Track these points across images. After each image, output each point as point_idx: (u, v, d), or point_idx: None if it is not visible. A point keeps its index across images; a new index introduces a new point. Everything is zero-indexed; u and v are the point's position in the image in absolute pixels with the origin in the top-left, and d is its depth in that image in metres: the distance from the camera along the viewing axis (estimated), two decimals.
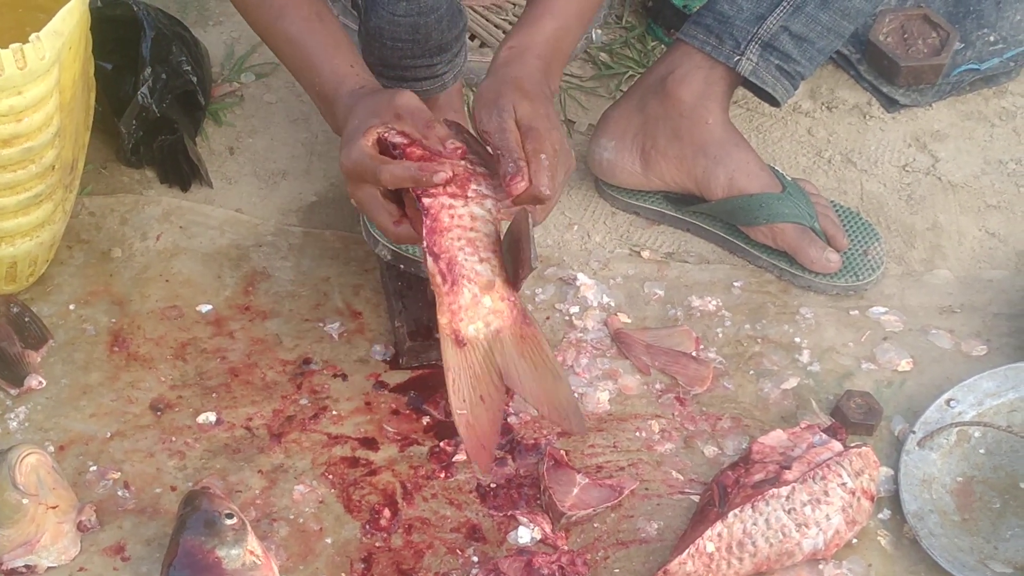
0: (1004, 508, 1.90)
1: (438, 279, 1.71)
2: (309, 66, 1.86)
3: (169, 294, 2.12)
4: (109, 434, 1.94)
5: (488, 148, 1.77)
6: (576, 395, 2.01)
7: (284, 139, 2.39)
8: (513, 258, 1.75)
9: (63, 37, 1.83)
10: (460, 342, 1.71)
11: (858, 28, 2.25)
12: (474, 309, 1.71)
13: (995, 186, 2.36)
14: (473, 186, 1.73)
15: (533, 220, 1.72)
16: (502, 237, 1.76)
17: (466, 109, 2.28)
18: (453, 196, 1.72)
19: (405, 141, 1.73)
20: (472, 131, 1.82)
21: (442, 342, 1.72)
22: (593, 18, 1.94)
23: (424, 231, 1.70)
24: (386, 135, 1.73)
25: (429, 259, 1.71)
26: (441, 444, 1.94)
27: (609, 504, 1.88)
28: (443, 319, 1.71)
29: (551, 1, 1.88)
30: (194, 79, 2.30)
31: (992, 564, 1.83)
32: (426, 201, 1.71)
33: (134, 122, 2.24)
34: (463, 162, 1.74)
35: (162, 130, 2.27)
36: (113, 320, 2.08)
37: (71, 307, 2.09)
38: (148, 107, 2.23)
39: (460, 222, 1.72)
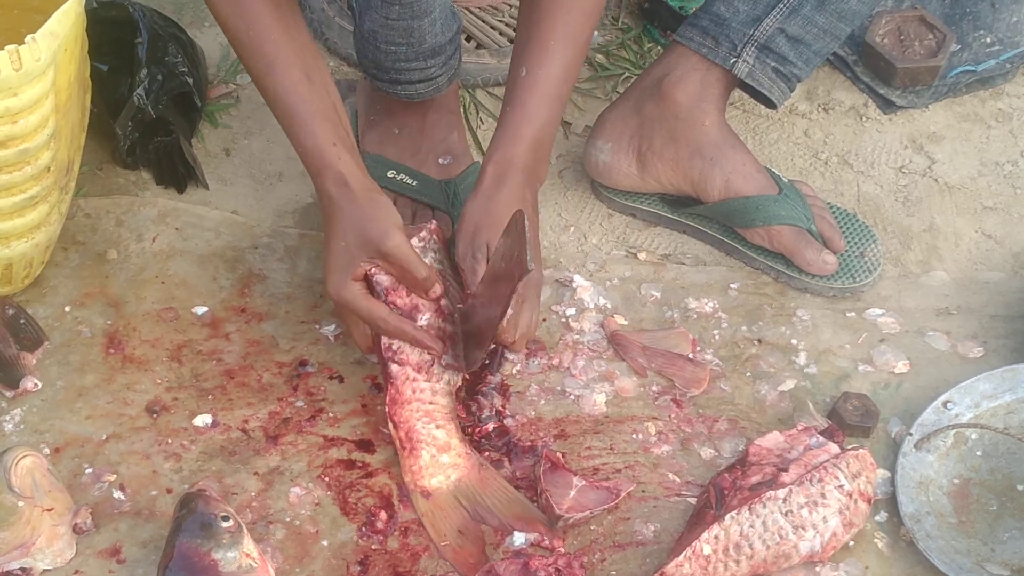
0: (1001, 510, 1.90)
1: (398, 444, 1.88)
2: (293, 132, 1.89)
3: (165, 296, 2.12)
4: (105, 436, 1.94)
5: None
6: (572, 397, 2.02)
7: (280, 140, 2.37)
8: (508, 259, 1.75)
9: (59, 38, 1.83)
10: (426, 494, 1.87)
11: (854, 30, 2.25)
12: (434, 467, 1.88)
13: (992, 188, 2.36)
14: (439, 361, 1.88)
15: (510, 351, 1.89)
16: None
17: (462, 110, 2.28)
18: (418, 369, 1.87)
19: (389, 284, 1.85)
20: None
21: (410, 495, 1.88)
22: (568, 99, 1.99)
23: (387, 399, 1.88)
24: (372, 273, 1.85)
25: (390, 424, 1.87)
26: None
27: (606, 506, 1.87)
28: (406, 477, 1.88)
29: (527, 103, 1.91)
30: (190, 80, 2.29)
31: (989, 566, 1.83)
32: (394, 369, 1.87)
33: (130, 123, 2.24)
34: (438, 320, 1.87)
35: (158, 132, 2.26)
36: (109, 322, 2.08)
37: (67, 309, 2.09)
38: (144, 108, 2.23)
39: (421, 396, 1.87)
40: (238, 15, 1.87)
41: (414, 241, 1.87)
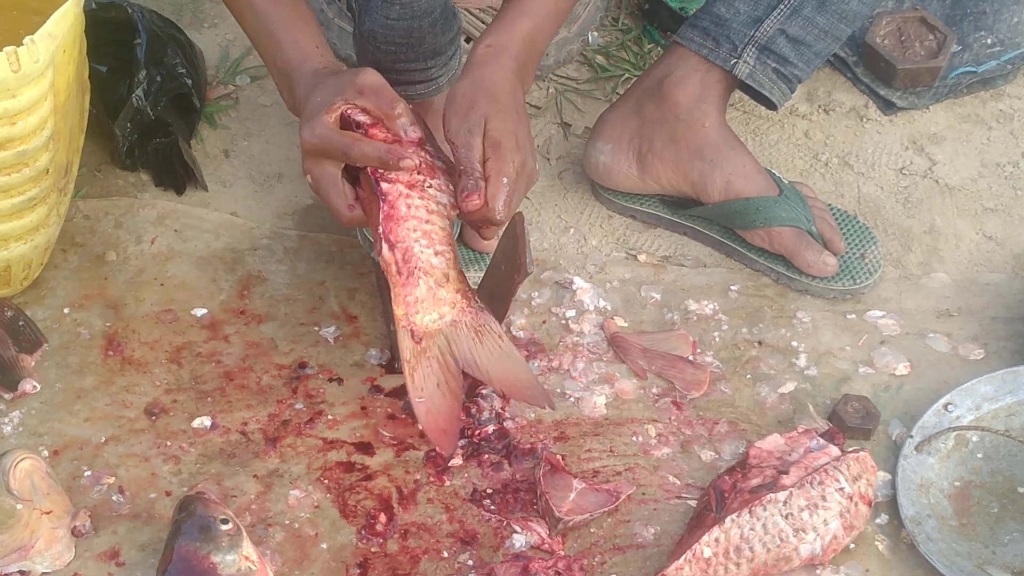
0: (1002, 513, 1.90)
1: (393, 269, 1.72)
2: (271, 39, 1.85)
3: (164, 298, 2.11)
4: (104, 439, 1.93)
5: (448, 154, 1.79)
6: (572, 399, 2.01)
7: (279, 142, 2.38)
8: (508, 262, 1.75)
9: (57, 40, 1.83)
10: (416, 333, 1.73)
11: (855, 31, 2.24)
12: (430, 301, 1.73)
13: (992, 189, 2.36)
14: (430, 179, 1.75)
15: (482, 237, 1.74)
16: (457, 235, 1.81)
17: None
18: (411, 186, 1.73)
19: (368, 120, 1.74)
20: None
21: (398, 333, 1.74)
22: (569, 14, 1.94)
23: (381, 217, 1.71)
24: (350, 112, 1.74)
25: (384, 247, 1.72)
26: (437, 448, 1.93)
27: (606, 509, 1.87)
28: (399, 310, 1.73)
29: (527, 0, 1.88)
30: (189, 82, 2.29)
31: (990, 569, 1.83)
32: (384, 186, 1.72)
33: (128, 125, 2.24)
34: (423, 152, 1.75)
35: (157, 133, 2.26)
36: (108, 324, 2.07)
37: (65, 311, 2.08)
38: (143, 110, 2.23)
39: (416, 213, 1.73)
40: None
41: None
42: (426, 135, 1.78)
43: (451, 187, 1.75)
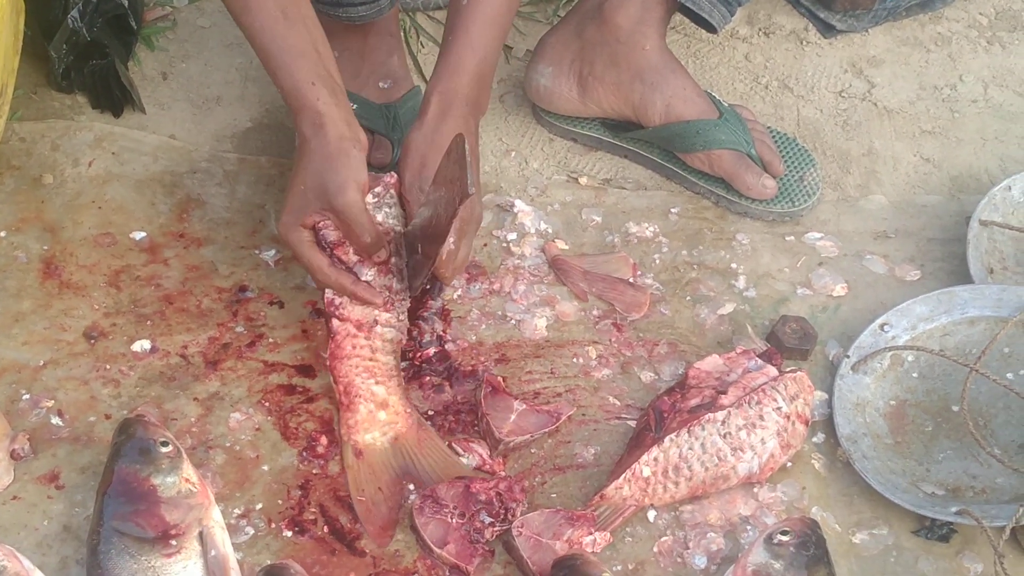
0: (936, 431, 1.92)
1: (337, 395, 1.86)
2: (272, 71, 1.84)
3: (102, 221, 2.10)
4: (42, 362, 1.92)
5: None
6: (513, 322, 2.02)
7: (218, 64, 2.36)
8: (450, 183, 1.74)
9: None
10: (358, 450, 1.84)
11: None
12: (370, 422, 1.85)
13: (930, 112, 2.37)
14: (383, 316, 1.86)
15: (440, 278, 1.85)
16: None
17: (403, 34, 2.26)
18: (359, 326, 1.85)
19: (335, 240, 1.84)
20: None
21: (341, 446, 1.85)
22: (510, 27, 1.97)
23: (328, 352, 1.86)
24: (321, 227, 1.83)
25: (331, 376, 1.86)
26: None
27: (546, 430, 1.88)
28: (341, 430, 1.85)
29: (470, 32, 1.89)
30: (125, 2, 2.25)
31: (924, 486, 1.85)
32: (335, 324, 1.85)
33: (64, 46, 2.21)
34: (382, 276, 1.86)
35: (93, 55, 2.23)
36: (45, 247, 2.05)
37: (2, 234, 2.06)
38: (79, 31, 2.20)
39: (360, 352, 1.85)
40: None
41: (369, 197, 1.85)
42: (391, 255, 1.87)
43: (401, 317, 1.88)
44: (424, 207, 1.86)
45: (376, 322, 1.85)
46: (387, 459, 1.83)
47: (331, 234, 1.84)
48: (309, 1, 1.86)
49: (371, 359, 1.85)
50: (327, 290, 1.85)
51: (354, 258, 1.85)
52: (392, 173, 1.90)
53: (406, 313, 1.89)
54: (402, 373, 1.89)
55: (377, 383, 1.85)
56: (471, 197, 1.70)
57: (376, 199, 1.87)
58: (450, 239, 1.78)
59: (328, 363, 1.85)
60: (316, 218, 1.82)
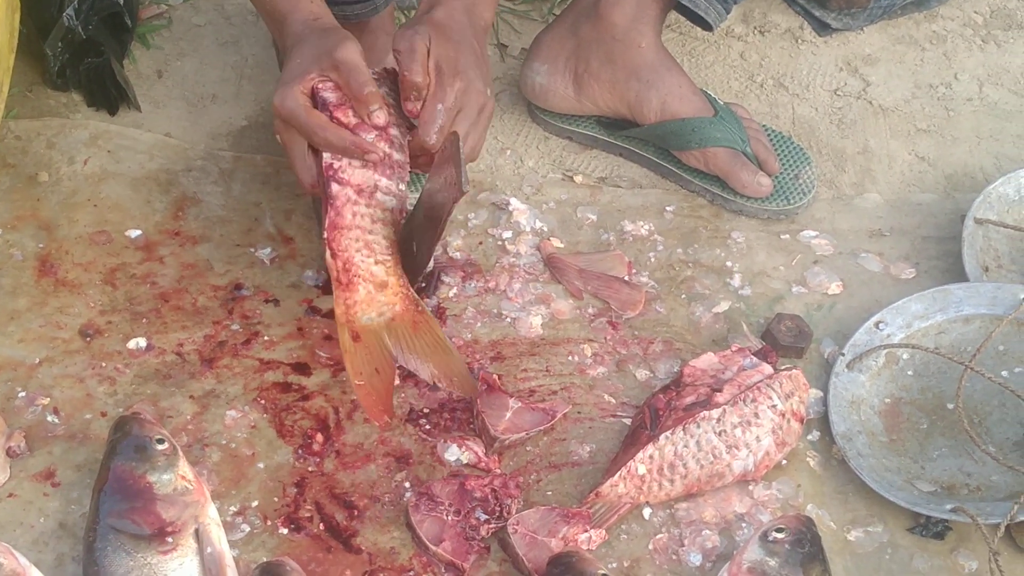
0: (931, 429, 1.93)
1: (334, 274, 1.79)
2: None
3: (98, 219, 2.10)
4: (38, 360, 1.92)
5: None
6: (509, 320, 2.02)
7: (213, 62, 2.36)
8: (443, 182, 1.74)
9: None
10: (354, 331, 1.81)
11: None
12: (368, 303, 1.81)
13: (925, 110, 2.37)
14: (383, 182, 1.79)
15: (465, 155, 1.75)
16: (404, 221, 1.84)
17: None
18: (359, 191, 1.78)
19: (335, 100, 1.77)
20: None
21: (338, 329, 1.81)
22: None
23: (327, 222, 1.77)
24: (319, 87, 1.76)
25: (327, 253, 1.78)
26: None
27: (542, 428, 1.88)
28: (338, 310, 1.80)
29: None
30: (120, 1, 2.26)
31: (919, 484, 1.85)
32: (334, 188, 1.77)
33: (60, 44, 2.21)
34: (382, 142, 1.79)
35: (88, 53, 2.23)
36: (41, 245, 2.06)
37: None
38: (74, 29, 2.20)
39: (360, 223, 1.79)
40: None
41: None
42: (391, 120, 1.80)
43: (401, 187, 1.81)
44: (417, 204, 1.86)
45: (376, 187, 1.79)
46: (383, 341, 1.82)
47: (330, 95, 1.77)
48: None
49: (370, 231, 1.79)
50: (325, 155, 1.78)
51: (353, 120, 1.78)
52: (388, 68, 1.86)
53: (405, 185, 1.82)
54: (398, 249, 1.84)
55: (377, 262, 1.80)
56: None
57: (376, 76, 1.81)
58: (446, 236, 1.77)
59: (326, 236, 1.77)
60: (313, 78, 1.76)
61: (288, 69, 1.79)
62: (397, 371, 1.88)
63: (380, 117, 1.78)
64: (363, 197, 1.78)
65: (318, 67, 1.76)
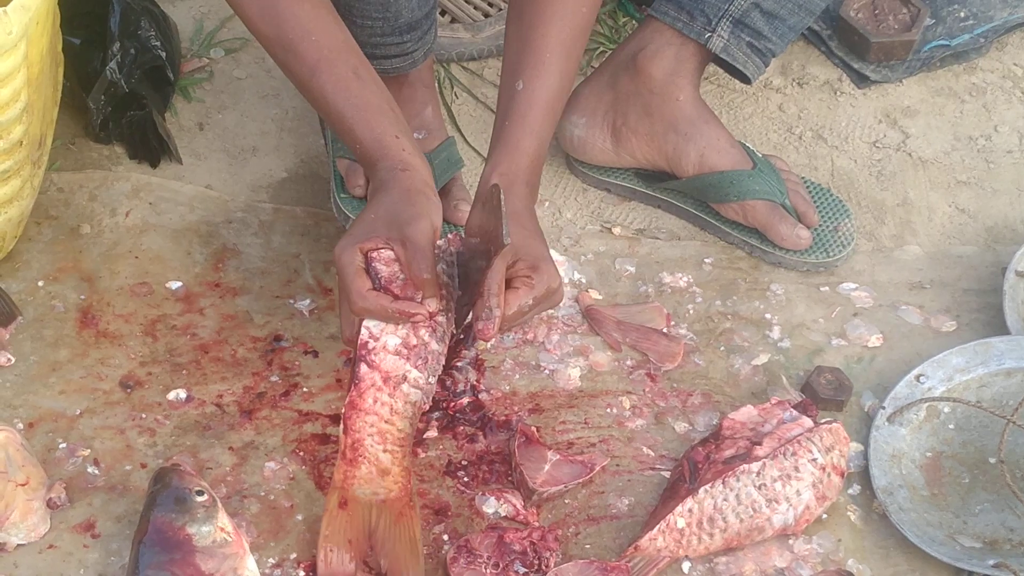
0: (973, 483, 1.91)
1: (342, 446, 1.76)
2: (348, 128, 1.79)
3: (138, 271, 2.11)
4: (79, 411, 1.93)
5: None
6: (547, 372, 2.02)
7: (254, 115, 2.38)
8: (485, 234, 1.75)
9: (31, 11, 1.82)
10: (344, 500, 1.77)
11: (829, 4, 2.25)
12: (367, 481, 1.77)
13: (965, 162, 2.37)
14: (413, 373, 1.75)
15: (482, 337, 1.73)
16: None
17: (436, 85, 2.27)
18: (386, 379, 1.74)
19: (386, 276, 1.73)
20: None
21: (330, 489, 1.78)
22: (561, 112, 1.93)
23: (347, 399, 1.74)
24: (375, 256, 1.73)
25: (341, 426, 1.75)
26: None
27: (580, 480, 1.88)
28: (337, 475, 1.77)
29: (527, 116, 1.85)
30: (163, 54, 2.28)
31: (961, 539, 1.84)
32: (363, 369, 1.74)
33: (103, 97, 2.23)
34: (424, 331, 1.75)
35: (131, 105, 2.25)
36: (82, 297, 2.07)
37: (40, 283, 2.08)
38: (117, 82, 2.22)
39: (380, 410, 1.75)
40: (272, 19, 1.78)
41: None
42: (440, 307, 1.76)
43: (431, 380, 1.77)
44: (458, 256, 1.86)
45: (404, 378, 1.75)
46: (367, 517, 1.78)
47: (383, 268, 1.73)
48: (371, 64, 1.84)
49: (387, 420, 1.75)
50: (363, 329, 1.75)
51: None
52: (456, 233, 1.83)
53: (436, 378, 1.79)
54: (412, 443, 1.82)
55: (385, 451, 1.76)
56: (505, 247, 1.67)
57: (437, 250, 1.77)
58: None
59: (344, 411, 1.74)
60: (377, 243, 1.73)
61: (361, 220, 1.76)
62: (435, 420, 1.88)
63: (432, 304, 1.74)
64: (388, 386, 1.75)
65: (386, 234, 1.73)
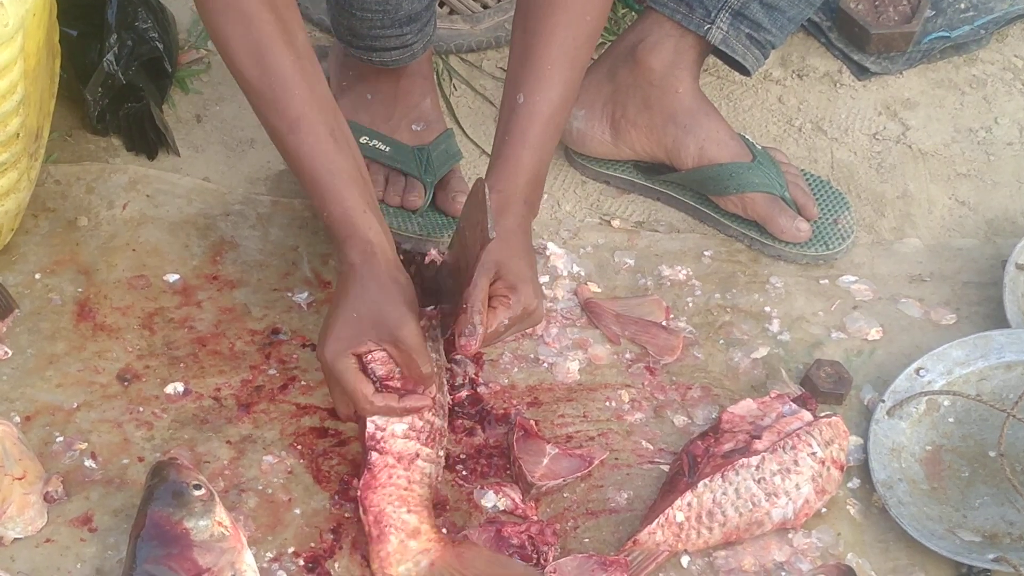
0: (973, 477, 1.91)
1: (367, 529, 1.76)
2: (319, 195, 1.79)
3: (136, 263, 2.11)
4: (76, 404, 1.93)
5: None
6: (546, 365, 2.01)
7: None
8: (472, 227, 1.74)
9: (27, 3, 1.81)
10: None
11: None
12: (402, 552, 1.75)
13: (965, 154, 2.36)
14: (424, 451, 1.78)
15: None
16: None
17: (435, 76, 2.27)
18: (399, 458, 1.77)
19: (384, 374, 1.77)
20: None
21: None
22: (565, 123, 1.93)
23: (361, 482, 1.76)
24: (370, 359, 1.76)
25: (360, 507, 1.76)
26: None
27: (579, 474, 1.87)
28: (374, 565, 1.76)
29: (527, 132, 1.84)
30: (160, 46, 2.27)
31: (961, 532, 1.84)
32: (373, 457, 1.76)
33: (100, 89, 2.22)
34: (427, 412, 1.79)
35: (128, 97, 2.24)
36: (79, 289, 2.06)
37: (37, 276, 2.07)
38: (114, 74, 2.21)
39: (396, 482, 1.77)
40: (256, 64, 1.76)
41: None
42: (436, 391, 1.81)
43: (440, 453, 1.81)
44: (450, 253, 1.86)
45: (417, 455, 1.78)
46: None
47: (379, 368, 1.77)
48: (345, 122, 1.83)
49: (406, 489, 1.77)
50: (368, 423, 1.77)
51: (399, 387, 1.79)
52: (433, 308, 1.85)
53: (444, 451, 1.83)
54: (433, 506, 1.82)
55: (409, 511, 1.76)
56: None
57: (422, 330, 1.79)
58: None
59: (360, 494, 1.75)
60: (369, 348, 1.76)
61: (340, 320, 1.76)
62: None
63: (433, 391, 1.79)
64: (402, 463, 1.78)
65: (376, 338, 1.75)
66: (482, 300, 1.74)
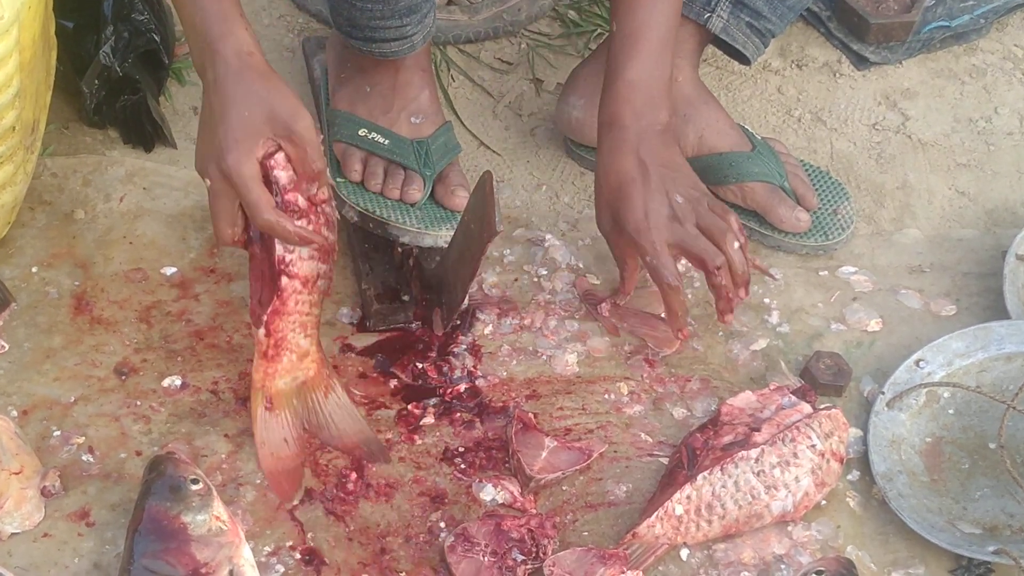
0: (973, 469, 1.90)
1: (263, 348, 1.83)
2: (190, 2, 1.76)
3: (133, 256, 2.10)
4: (73, 398, 1.92)
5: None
6: (544, 357, 2.01)
7: None
8: (478, 220, 1.74)
9: None
10: (269, 398, 1.85)
11: None
12: (287, 370, 1.84)
13: (965, 144, 2.36)
14: (323, 268, 1.82)
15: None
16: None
17: (433, 68, 2.26)
18: (305, 283, 1.81)
19: (286, 182, 1.76)
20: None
21: (252, 392, 1.86)
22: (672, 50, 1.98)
23: (269, 309, 1.80)
24: (272, 165, 1.75)
25: (261, 331, 1.82)
26: (409, 407, 1.93)
27: (578, 467, 1.87)
28: (257, 375, 1.84)
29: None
30: (157, 38, 2.27)
31: (961, 524, 1.83)
32: (283, 281, 1.79)
33: (96, 82, 2.22)
34: (324, 229, 1.81)
35: (125, 90, 2.24)
36: (76, 283, 2.06)
37: (33, 270, 2.07)
38: (110, 67, 2.20)
39: (300, 308, 1.82)
40: None
41: None
42: (330, 195, 1.82)
43: (332, 269, 1.84)
44: (452, 242, 1.85)
45: (319, 275, 1.82)
46: (293, 406, 1.85)
47: (283, 175, 1.75)
48: None
49: (307, 314, 1.83)
50: (277, 248, 1.77)
51: (302, 204, 1.78)
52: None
53: (335, 261, 1.85)
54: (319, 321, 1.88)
55: (305, 336, 1.84)
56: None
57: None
58: (481, 272, 1.76)
59: (264, 320, 1.80)
60: (269, 147, 1.73)
61: (233, 123, 1.72)
62: (432, 407, 1.88)
63: (325, 192, 1.80)
64: (307, 287, 1.82)
65: (271, 131, 1.73)
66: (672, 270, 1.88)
